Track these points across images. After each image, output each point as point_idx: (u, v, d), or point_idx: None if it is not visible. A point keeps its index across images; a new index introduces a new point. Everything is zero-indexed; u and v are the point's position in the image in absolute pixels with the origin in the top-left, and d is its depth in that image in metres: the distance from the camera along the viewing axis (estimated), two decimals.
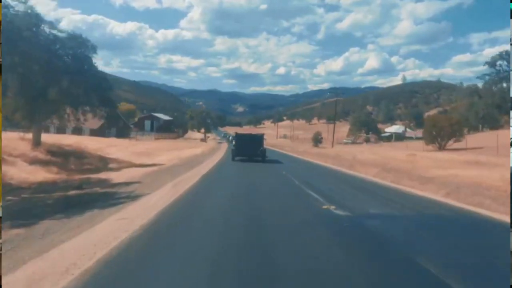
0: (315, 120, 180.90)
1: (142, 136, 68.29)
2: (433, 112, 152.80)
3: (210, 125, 79.04)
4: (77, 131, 62.66)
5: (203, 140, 75.97)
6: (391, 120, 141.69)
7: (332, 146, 54.32)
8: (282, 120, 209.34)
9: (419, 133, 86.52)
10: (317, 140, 66.44)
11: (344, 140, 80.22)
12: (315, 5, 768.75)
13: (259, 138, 29.27)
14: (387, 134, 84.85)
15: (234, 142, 30.98)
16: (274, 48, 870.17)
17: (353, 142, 76.49)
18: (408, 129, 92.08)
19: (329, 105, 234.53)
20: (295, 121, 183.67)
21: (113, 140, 48.48)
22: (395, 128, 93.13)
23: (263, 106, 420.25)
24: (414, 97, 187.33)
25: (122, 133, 68.85)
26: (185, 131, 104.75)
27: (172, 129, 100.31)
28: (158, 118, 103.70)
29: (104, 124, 66.52)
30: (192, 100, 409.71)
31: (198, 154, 36.31)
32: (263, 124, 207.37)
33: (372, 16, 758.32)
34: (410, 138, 74.16)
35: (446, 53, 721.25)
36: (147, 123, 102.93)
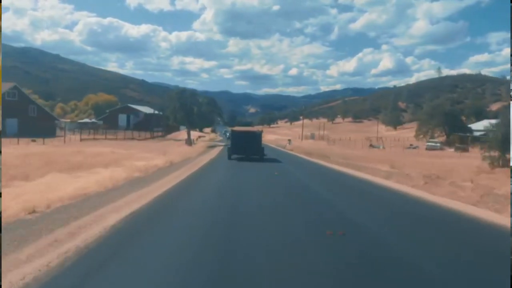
0: (339, 119, 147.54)
1: (73, 135, 36.20)
2: (496, 106, 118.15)
3: (196, 116, 45.52)
4: None
5: (189, 142, 43.17)
6: None
7: None
8: (298, 119, 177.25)
9: None
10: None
11: (429, 143, 46.76)
12: (328, 5, 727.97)
13: (257, 136, 23.85)
14: (476, 135, 50.97)
15: (230, 140, 25.71)
16: (287, 49, 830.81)
17: (441, 148, 43.22)
18: None
19: (350, 103, 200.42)
20: (314, 120, 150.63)
21: None
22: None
23: (275, 107, 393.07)
24: (454, 91, 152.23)
25: (43, 130, 37.03)
26: (174, 129, 72.46)
27: (158, 126, 68.37)
28: (136, 112, 71.97)
29: None
30: None
31: None
32: (277, 123, 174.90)
33: (386, 16, 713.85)
34: None
35: (463, 53, 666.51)
36: (122, 118, 71.37)
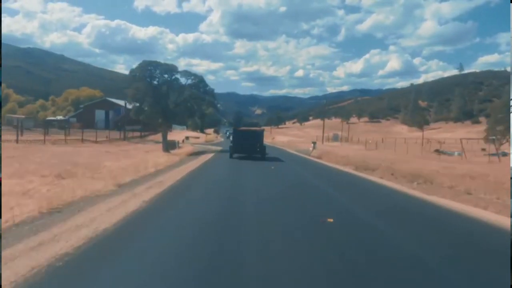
0: (354, 119, 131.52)
1: None
2: None
3: (173, 105, 28.24)
4: None
5: (166, 146, 27.57)
6: (470, 117, 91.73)
7: None
8: (307, 119, 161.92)
9: None
10: None
11: None
12: (336, 6, 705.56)
13: (259, 134, 22.17)
14: None
15: (231, 139, 23.97)
16: (293, 50, 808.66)
17: None
18: None
19: (363, 102, 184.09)
20: (327, 120, 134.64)
21: None
22: None
23: (281, 108, 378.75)
24: (479, 89, 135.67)
25: None
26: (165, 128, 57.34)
27: (138, 123, 53.48)
28: (117, 107, 57.11)
29: None
30: None
31: None
32: (285, 124, 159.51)
33: (394, 17, 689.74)
34: None
35: (472, 54, 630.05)
36: (100, 114, 56.60)
